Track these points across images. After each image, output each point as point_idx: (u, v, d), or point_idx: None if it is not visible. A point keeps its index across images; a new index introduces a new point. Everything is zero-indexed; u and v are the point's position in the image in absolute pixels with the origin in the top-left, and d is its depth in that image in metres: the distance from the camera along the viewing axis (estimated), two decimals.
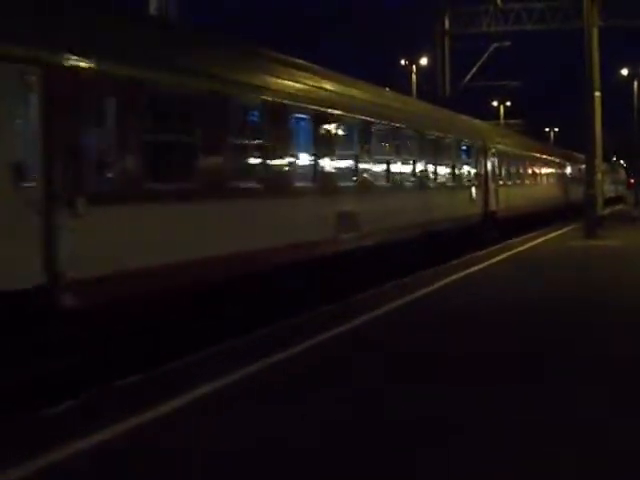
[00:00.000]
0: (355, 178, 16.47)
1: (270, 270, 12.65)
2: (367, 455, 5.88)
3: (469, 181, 25.61)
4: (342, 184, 15.69)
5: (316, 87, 15.34)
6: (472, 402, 7.22)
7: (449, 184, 23.38)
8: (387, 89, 24.19)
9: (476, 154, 26.61)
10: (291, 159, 13.66)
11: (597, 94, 30.96)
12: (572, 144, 56.97)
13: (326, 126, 15.14)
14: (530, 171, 36.76)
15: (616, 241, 24.30)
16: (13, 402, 7.54)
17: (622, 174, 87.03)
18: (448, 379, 8.04)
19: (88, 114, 9.03)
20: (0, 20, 8.10)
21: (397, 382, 7.97)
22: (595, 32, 31.66)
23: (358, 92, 17.90)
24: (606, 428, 6.41)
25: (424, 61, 50.36)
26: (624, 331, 10.51)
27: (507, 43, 47.07)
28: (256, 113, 12.73)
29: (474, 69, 46.18)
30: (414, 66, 51.03)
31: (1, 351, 7.73)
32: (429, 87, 45.56)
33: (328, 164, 15.14)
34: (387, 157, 18.37)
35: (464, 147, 25.55)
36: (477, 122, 30.38)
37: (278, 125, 13.19)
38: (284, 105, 13.42)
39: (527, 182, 35.86)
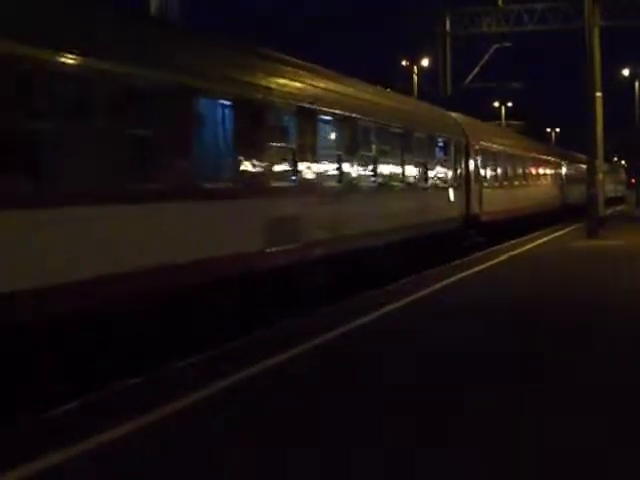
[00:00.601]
0: (294, 178, 13.60)
1: (155, 298, 9.68)
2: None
3: (446, 182, 22.85)
4: (275, 184, 12.90)
5: (237, 65, 12.70)
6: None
7: (421, 185, 20.60)
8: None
9: (456, 152, 23.93)
10: (200, 154, 10.89)
11: (598, 95, 30.93)
12: (574, 145, 56.97)
13: (249, 113, 12.18)
14: (520, 171, 34.18)
15: (618, 241, 24.30)
16: (13, 404, 7.51)
17: (622, 174, 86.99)
18: None
19: None
20: None
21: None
22: (596, 32, 31.64)
23: (292, 75, 14.52)
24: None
25: (425, 62, 50.34)
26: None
27: (508, 44, 47.00)
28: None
29: (475, 70, 46.10)
30: (415, 67, 51.02)
31: None
32: (430, 88, 45.51)
33: (253, 160, 12.27)
34: (337, 152, 15.50)
35: (440, 143, 22.83)
36: (458, 117, 26.88)
37: (170, 108, 10.26)
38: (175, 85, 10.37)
39: (517, 183, 33.11)
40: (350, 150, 16.07)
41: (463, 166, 24.58)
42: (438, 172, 22.11)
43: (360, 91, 18.32)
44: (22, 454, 5.85)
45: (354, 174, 16.27)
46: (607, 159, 54.24)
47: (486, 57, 46.32)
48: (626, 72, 55.75)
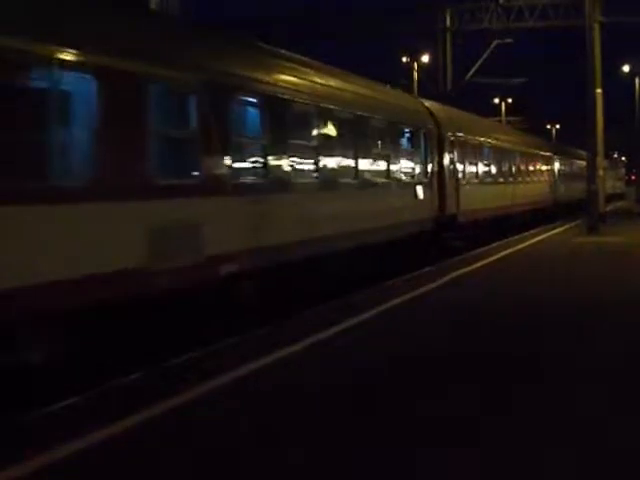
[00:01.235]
0: (197, 173, 10.70)
1: None
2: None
3: (412, 177, 19.64)
4: (165, 181, 9.90)
5: None
6: None
7: (378, 181, 17.26)
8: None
9: (426, 143, 20.72)
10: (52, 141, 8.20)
11: (598, 91, 30.93)
12: (574, 141, 56.93)
13: (115, 88, 9.12)
14: (507, 166, 31.01)
15: (618, 237, 24.32)
16: (10, 401, 7.50)
17: (621, 171, 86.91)
18: None
19: None
20: None
21: None
22: (596, 28, 31.63)
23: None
24: None
25: (426, 59, 50.30)
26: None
27: (508, 40, 46.97)
28: None
29: (476, 66, 46.04)
30: (415, 63, 50.99)
31: None
32: (431, 84, 45.48)
33: (126, 148, 9.41)
34: (260, 142, 12.40)
35: (406, 133, 19.59)
36: (432, 105, 23.61)
37: None
38: None
39: (502, 179, 30.04)
40: (278, 139, 12.74)
41: (436, 160, 21.46)
42: (402, 166, 18.87)
43: (292, 65, 14.55)
44: (20, 452, 5.84)
45: (284, 168, 12.96)
46: (607, 155, 54.22)
47: (486, 53, 46.29)
48: (626, 68, 55.72)
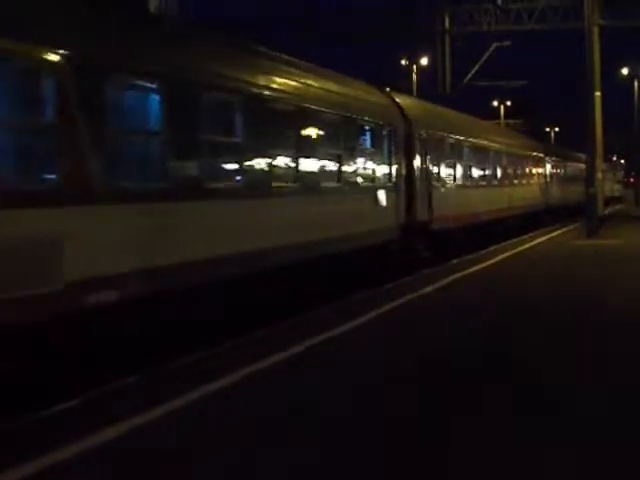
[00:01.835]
0: (52, 176, 8.43)
1: None
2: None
3: (372, 180, 17.26)
4: (33, 186, 8.20)
5: None
6: None
7: (326, 186, 14.77)
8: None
9: (391, 142, 18.41)
10: None
11: (597, 94, 30.93)
12: (573, 144, 56.95)
13: None
14: (491, 167, 28.43)
15: (617, 240, 24.32)
16: (13, 402, 7.49)
17: (619, 174, 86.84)
18: None
19: None
20: None
21: None
22: (596, 31, 31.63)
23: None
24: None
25: (424, 61, 50.35)
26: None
27: (507, 42, 47.02)
28: None
29: (475, 68, 46.06)
30: (414, 66, 51.02)
31: None
32: (430, 86, 45.50)
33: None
34: (161, 137, 10.09)
35: (366, 130, 17.24)
36: (402, 99, 20.87)
37: None
38: None
39: (484, 182, 27.41)
40: (184, 133, 10.44)
41: (404, 161, 19.13)
42: (359, 168, 16.48)
43: (205, 42, 12.11)
44: (23, 453, 5.84)
45: (193, 170, 10.70)
46: (606, 158, 54.21)
47: (485, 55, 46.31)
48: (625, 71, 55.77)
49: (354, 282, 15.41)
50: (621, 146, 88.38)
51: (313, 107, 14.34)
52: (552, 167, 41.41)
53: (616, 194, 69.74)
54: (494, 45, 45.99)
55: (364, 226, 16.31)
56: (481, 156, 27.08)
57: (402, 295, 13.66)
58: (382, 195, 17.59)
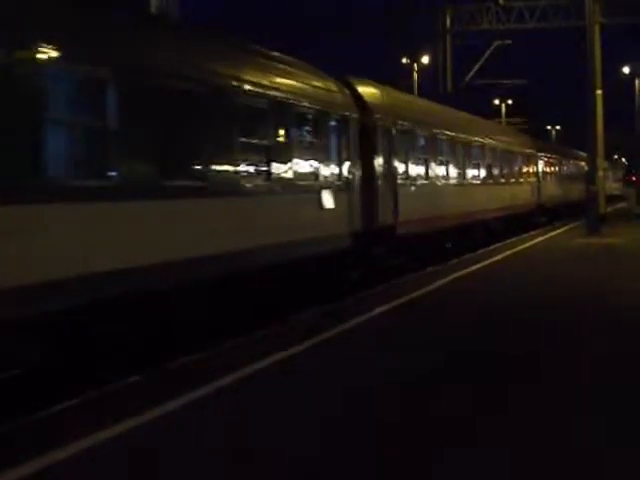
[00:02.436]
0: None
1: None
2: None
3: (316, 178, 14.41)
4: None
5: None
6: None
7: (246, 185, 11.93)
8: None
9: (343, 134, 15.69)
10: None
11: (598, 92, 30.95)
12: (574, 142, 56.93)
13: None
14: (472, 164, 25.45)
15: (618, 239, 24.33)
16: (12, 402, 7.50)
17: (620, 173, 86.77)
18: None
19: None
20: None
21: None
22: (596, 30, 31.66)
23: None
24: None
25: (426, 60, 50.37)
26: None
27: (508, 41, 47.11)
28: None
29: (476, 67, 46.12)
30: (415, 65, 51.03)
31: None
32: (431, 85, 45.53)
33: None
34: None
35: (306, 119, 14.32)
36: (363, 85, 17.84)
37: None
38: None
39: (464, 180, 24.46)
40: (27, 118, 7.93)
41: (360, 156, 16.45)
42: (296, 164, 13.58)
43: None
44: (22, 452, 5.84)
45: (55, 166, 8.31)
46: (608, 157, 54.17)
47: (487, 54, 46.37)
48: (626, 70, 55.77)
49: (285, 303, 12.84)
50: (622, 144, 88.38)
51: (230, 90, 11.54)
52: (545, 165, 38.61)
53: (616, 192, 69.59)
54: (495, 44, 46.06)
55: (302, 234, 13.44)
56: (461, 152, 24.10)
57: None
58: (328, 196, 14.72)
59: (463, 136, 24.72)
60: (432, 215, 20.44)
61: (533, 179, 35.43)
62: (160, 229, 9.65)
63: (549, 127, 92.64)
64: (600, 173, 30.40)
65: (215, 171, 11.16)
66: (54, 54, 8.11)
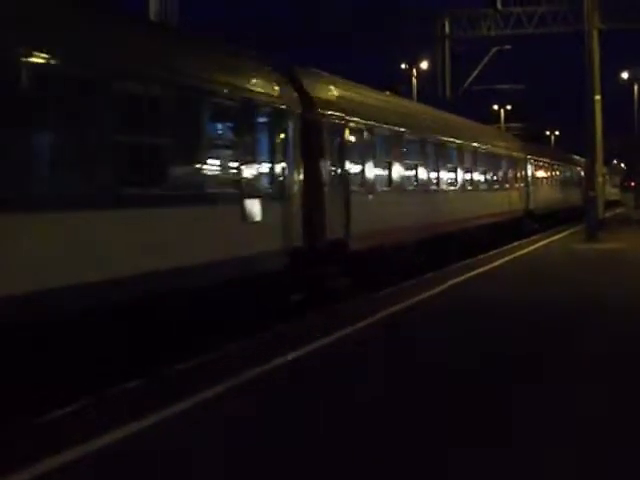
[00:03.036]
0: None
1: None
2: None
3: (237, 185, 11.77)
4: None
5: None
6: None
7: (133, 192, 9.49)
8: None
9: (275, 131, 13.11)
10: None
11: (597, 97, 30.98)
12: (573, 147, 56.99)
13: None
14: (447, 167, 22.63)
15: (617, 244, 24.34)
16: (10, 408, 7.47)
17: (617, 177, 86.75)
18: None
19: None
20: None
21: None
22: (595, 35, 31.68)
23: None
24: None
25: (425, 65, 50.46)
26: None
27: (507, 47, 47.22)
28: None
29: (475, 73, 46.17)
30: (415, 70, 51.10)
31: None
32: (430, 91, 45.58)
33: None
34: None
35: (225, 112, 11.59)
36: (306, 75, 15.15)
37: None
38: None
39: (437, 186, 21.68)
40: None
41: (301, 158, 13.82)
42: (207, 167, 11.18)
43: None
44: (20, 459, 5.82)
45: None
46: (607, 162, 54.20)
47: (485, 60, 46.44)
48: (625, 75, 55.87)
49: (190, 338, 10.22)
50: (621, 150, 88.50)
51: (107, 72, 9.12)
52: (536, 169, 36.28)
53: (613, 198, 69.58)
54: (494, 49, 46.14)
55: (211, 254, 10.87)
56: (434, 154, 21.48)
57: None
58: (255, 206, 12.12)
59: (437, 137, 22.04)
60: (396, 227, 17.79)
61: (521, 184, 32.94)
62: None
63: (548, 132, 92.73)
64: (599, 179, 30.41)
65: (75, 180, 8.60)
66: None
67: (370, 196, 16.78)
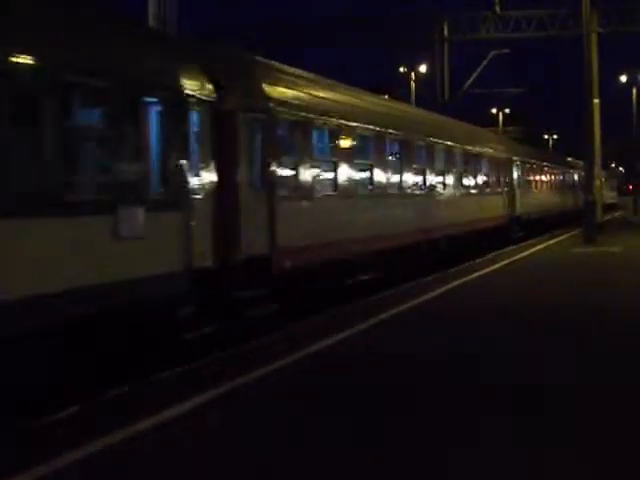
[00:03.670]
0: None
1: None
2: None
3: (110, 190, 9.24)
4: None
5: None
6: None
7: None
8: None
9: (188, 125, 10.88)
10: None
11: (596, 101, 30.99)
12: (572, 151, 57.02)
13: None
14: (411, 168, 19.64)
15: (616, 247, 24.36)
16: (7, 412, 7.44)
17: (614, 181, 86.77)
18: None
19: None
20: None
21: None
22: (594, 39, 31.71)
23: None
24: None
25: (423, 68, 50.49)
26: None
27: (506, 50, 47.26)
28: None
29: (473, 76, 46.17)
30: (413, 73, 51.13)
31: None
32: (428, 94, 45.59)
33: None
34: None
35: (103, 99, 9.22)
36: (224, 57, 13.40)
37: None
38: None
39: (397, 189, 18.64)
40: None
41: (202, 156, 11.14)
42: (63, 167, 8.57)
43: None
44: (16, 463, 5.80)
45: None
46: (605, 165, 54.27)
47: (484, 63, 46.44)
48: (624, 78, 55.93)
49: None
50: (619, 153, 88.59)
51: None
52: (523, 172, 33.60)
53: (610, 201, 69.47)
54: (492, 53, 46.16)
55: (74, 280, 8.45)
56: (397, 154, 18.83)
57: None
58: (136, 217, 9.54)
59: (400, 133, 19.00)
60: (345, 238, 15.20)
61: (506, 188, 30.14)
62: None
63: (546, 135, 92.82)
64: (597, 182, 30.42)
65: None
66: None
67: (306, 203, 14.00)
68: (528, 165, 35.21)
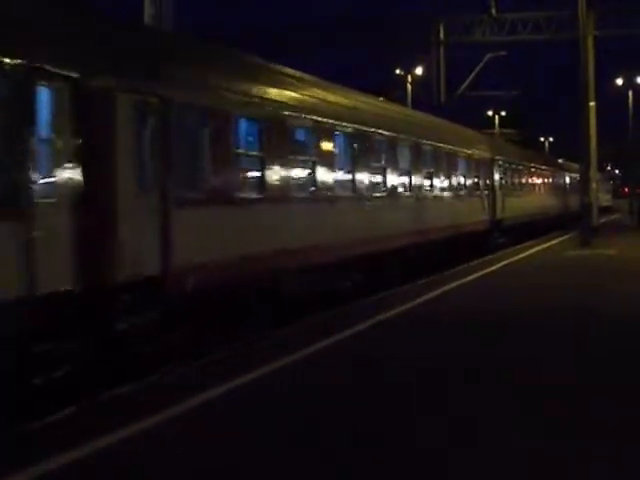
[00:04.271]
0: None
1: None
2: None
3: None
4: None
5: None
6: None
7: None
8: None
9: (32, 110, 7.95)
10: None
11: (592, 104, 31.00)
12: (568, 153, 57.09)
13: None
14: (368, 167, 17.18)
15: (611, 250, 24.42)
16: (2, 414, 7.41)
17: (609, 183, 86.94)
18: None
19: None
20: None
21: None
22: (590, 41, 31.74)
23: None
24: None
25: (419, 71, 50.52)
26: None
27: (502, 53, 47.28)
28: None
29: (469, 78, 46.18)
30: (409, 76, 51.14)
31: None
32: (424, 96, 45.62)
33: None
34: None
35: None
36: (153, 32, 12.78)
37: None
38: None
39: (351, 192, 16.23)
40: None
41: (56, 147, 8.43)
42: None
43: None
44: (11, 465, 5.78)
45: None
46: (601, 168, 54.30)
47: (480, 66, 46.46)
48: (620, 81, 56.00)
49: None
50: (615, 156, 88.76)
51: None
52: (506, 173, 31.23)
53: (605, 204, 69.57)
54: (488, 55, 46.18)
55: None
56: (348, 151, 16.34)
57: None
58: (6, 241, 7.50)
59: (354, 126, 16.51)
60: (272, 251, 12.55)
61: (485, 191, 27.74)
62: None
63: (542, 138, 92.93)
64: (593, 185, 30.44)
65: None
66: None
67: (218, 209, 11.33)
68: (512, 166, 32.93)
